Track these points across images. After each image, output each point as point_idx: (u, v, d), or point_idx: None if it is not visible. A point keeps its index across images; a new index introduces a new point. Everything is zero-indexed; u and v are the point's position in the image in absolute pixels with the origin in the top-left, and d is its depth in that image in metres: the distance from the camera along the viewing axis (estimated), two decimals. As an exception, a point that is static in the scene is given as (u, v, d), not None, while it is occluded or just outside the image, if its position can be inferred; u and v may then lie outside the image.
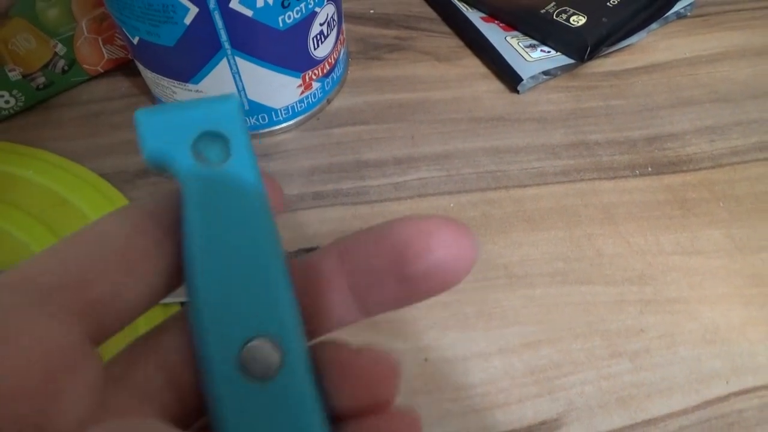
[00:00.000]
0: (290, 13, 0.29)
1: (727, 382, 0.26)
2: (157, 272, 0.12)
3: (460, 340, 0.27)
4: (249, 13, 0.28)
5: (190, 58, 0.30)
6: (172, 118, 0.13)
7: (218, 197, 0.13)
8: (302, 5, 0.30)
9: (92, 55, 0.37)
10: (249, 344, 0.12)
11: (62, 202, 0.32)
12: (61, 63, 0.36)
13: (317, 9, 0.31)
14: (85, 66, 0.37)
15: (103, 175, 0.33)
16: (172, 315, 0.14)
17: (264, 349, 0.12)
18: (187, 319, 0.13)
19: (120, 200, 0.32)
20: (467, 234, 0.13)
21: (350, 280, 0.13)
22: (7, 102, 0.35)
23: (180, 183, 0.13)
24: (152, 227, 0.12)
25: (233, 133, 0.13)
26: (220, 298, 0.12)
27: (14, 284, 0.10)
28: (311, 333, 0.14)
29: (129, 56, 0.38)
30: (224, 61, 0.30)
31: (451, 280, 0.13)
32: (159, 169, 0.13)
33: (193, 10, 0.27)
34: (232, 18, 0.28)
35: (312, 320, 0.14)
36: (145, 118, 0.13)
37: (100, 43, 0.37)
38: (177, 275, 0.13)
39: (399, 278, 0.13)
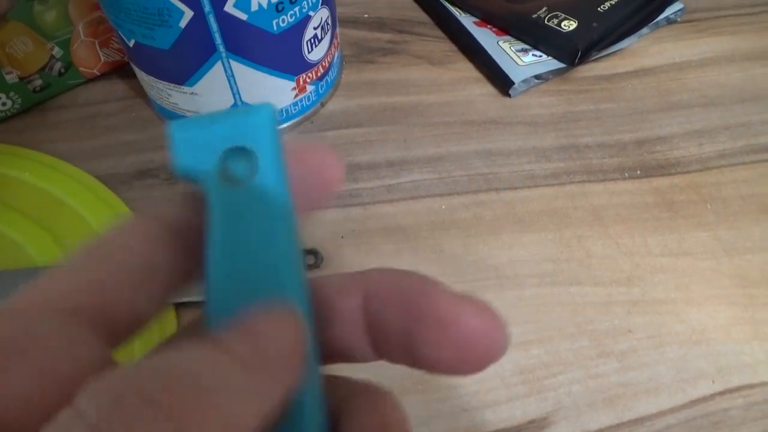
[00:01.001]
0: (284, 16, 0.30)
1: (713, 382, 0.27)
2: (171, 283, 0.13)
3: (451, 340, 0.28)
4: (243, 16, 0.28)
5: (186, 61, 0.30)
6: (201, 134, 0.13)
7: (241, 215, 0.13)
8: (296, 9, 0.30)
9: (89, 58, 0.37)
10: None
11: (58, 204, 0.32)
12: (58, 66, 0.36)
13: (311, 13, 0.31)
14: (81, 69, 0.38)
15: (99, 177, 0.33)
16: (189, 322, 0.14)
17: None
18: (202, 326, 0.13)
19: (115, 202, 0.32)
20: (491, 319, 0.12)
21: (368, 324, 0.13)
22: (3, 104, 0.36)
23: (206, 199, 0.13)
24: (169, 239, 0.13)
25: (262, 147, 0.13)
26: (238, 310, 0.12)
27: (36, 304, 0.11)
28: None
29: (125, 59, 0.39)
30: (219, 64, 0.30)
31: (472, 366, 0.12)
32: (187, 178, 0.13)
33: (188, 14, 0.28)
34: (226, 21, 0.28)
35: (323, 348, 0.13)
36: (177, 132, 0.13)
37: (97, 46, 0.37)
38: (188, 283, 0.13)
39: (408, 351, 0.12)
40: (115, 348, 0.12)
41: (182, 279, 0.13)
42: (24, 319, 0.10)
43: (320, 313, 0.13)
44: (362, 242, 0.31)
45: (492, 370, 0.27)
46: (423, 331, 0.12)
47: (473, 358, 0.12)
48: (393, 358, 0.13)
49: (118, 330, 0.12)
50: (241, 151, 0.13)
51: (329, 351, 0.13)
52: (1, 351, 0.10)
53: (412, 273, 0.13)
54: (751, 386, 0.26)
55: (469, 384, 0.26)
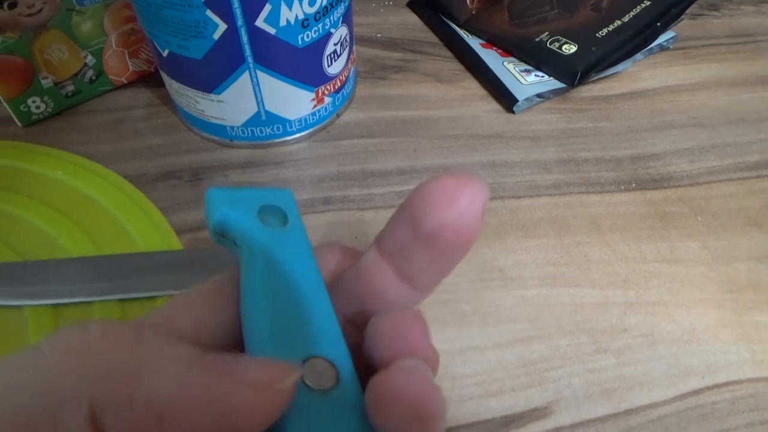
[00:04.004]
0: (309, 32, 0.32)
1: (702, 378, 0.28)
2: (222, 322, 0.15)
3: (458, 335, 0.29)
4: (272, 31, 0.31)
5: (216, 70, 0.32)
6: (237, 194, 0.16)
7: (278, 250, 0.15)
8: (320, 26, 0.33)
9: (118, 66, 0.40)
10: (309, 360, 0.13)
11: (88, 201, 0.34)
12: (90, 73, 0.39)
13: (332, 30, 0.34)
14: (111, 77, 0.40)
15: (125, 177, 0.35)
16: None
17: (322, 365, 0.13)
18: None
19: (141, 200, 0.34)
20: (469, 184, 0.13)
21: (392, 263, 0.15)
22: (38, 107, 0.38)
23: (241, 243, 0.16)
24: (220, 293, 0.16)
25: (289, 209, 0.16)
26: (278, 327, 0.14)
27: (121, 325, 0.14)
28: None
29: (152, 69, 0.41)
30: (246, 73, 0.33)
31: (464, 231, 0.13)
32: (221, 235, 0.16)
33: (222, 27, 0.30)
34: (256, 35, 0.31)
35: (374, 312, 0.15)
36: (215, 194, 0.16)
37: (127, 56, 0.39)
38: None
39: (423, 242, 0.14)
40: None
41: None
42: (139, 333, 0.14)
43: (356, 287, 0.16)
44: (375, 243, 0.33)
45: (496, 362, 0.29)
46: (418, 210, 0.14)
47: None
48: (424, 276, 0.15)
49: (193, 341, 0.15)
50: (272, 209, 0.16)
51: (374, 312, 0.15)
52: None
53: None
54: (737, 382, 0.28)
55: (474, 374, 0.28)
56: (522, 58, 0.43)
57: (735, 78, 0.43)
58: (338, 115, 0.39)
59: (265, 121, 0.36)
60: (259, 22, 0.30)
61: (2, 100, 0.36)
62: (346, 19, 0.35)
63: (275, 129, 0.36)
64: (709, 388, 0.28)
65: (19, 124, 0.38)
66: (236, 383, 0.12)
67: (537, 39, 0.42)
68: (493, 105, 0.41)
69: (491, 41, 0.44)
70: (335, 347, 0.14)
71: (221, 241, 0.16)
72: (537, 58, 0.42)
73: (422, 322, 0.14)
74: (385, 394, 0.12)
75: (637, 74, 0.43)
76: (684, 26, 0.46)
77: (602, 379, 0.28)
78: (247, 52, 0.31)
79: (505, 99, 0.40)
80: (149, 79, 0.41)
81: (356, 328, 0.16)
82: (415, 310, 0.15)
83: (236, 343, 0.15)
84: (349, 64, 0.38)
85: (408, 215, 0.14)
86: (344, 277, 0.16)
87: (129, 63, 0.40)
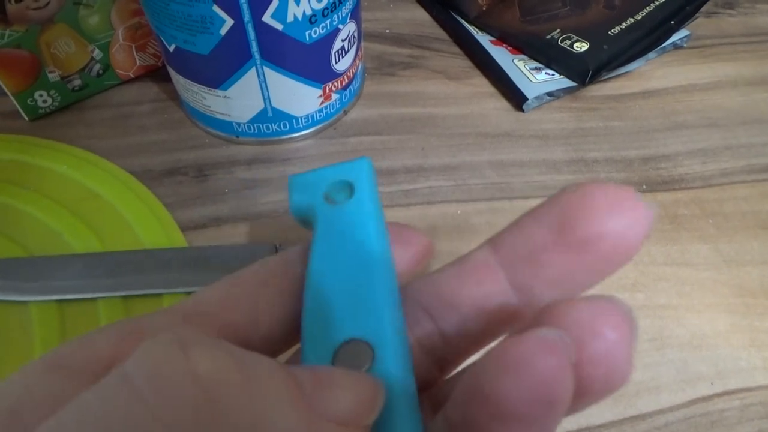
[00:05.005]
0: (316, 28, 0.32)
1: (711, 384, 0.28)
2: (283, 313, 0.15)
3: (464, 336, 0.29)
4: (279, 26, 0.31)
5: (222, 66, 0.32)
6: (309, 177, 0.17)
7: (339, 226, 0.15)
8: (327, 22, 0.32)
9: (125, 61, 0.39)
10: (344, 344, 0.13)
11: (94, 196, 0.34)
12: (97, 67, 0.38)
13: (340, 26, 0.33)
14: (118, 71, 0.40)
15: (131, 173, 0.35)
16: None
17: (357, 347, 0.13)
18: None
19: (147, 196, 0.34)
20: (637, 196, 0.12)
21: (507, 268, 0.13)
22: (45, 101, 0.38)
23: (314, 226, 0.16)
24: (282, 277, 0.15)
25: (358, 180, 0.16)
26: (326, 307, 0.14)
27: (168, 311, 0.13)
28: (472, 334, 0.14)
29: (159, 64, 0.41)
30: (253, 70, 0.32)
31: (626, 244, 0.12)
32: (301, 217, 0.17)
33: (229, 22, 0.30)
34: (263, 30, 0.30)
35: (469, 318, 0.14)
36: (294, 179, 0.17)
37: (134, 50, 0.39)
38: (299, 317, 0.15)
39: (570, 248, 0.12)
40: None
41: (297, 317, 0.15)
42: (153, 317, 0.13)
43: (457, 285, 0.14)
44: (381, 242, 0.33)
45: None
46: (575, 211, 0.12)
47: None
48: (548, 286, 0.13)
49: (237, 338, 0.14)
50: (342, 184, 0.16)
51: (474, 318, 0.14)
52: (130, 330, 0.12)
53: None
54: (747, 389, 0.28)
55: (480, 377, 0.28)
56: (532, 56, 0.42)
57: (750, 78, 0.43)
58: (345, 112, 0.39)
59: (271, 117, 0.35)
60: (267, 18, 0.30)
61: (9, 94, 0.36)
62: (355, 14, 0.35)
63: (282, 126, 0.36)
64: (718, 394, 0.28)
65: (26, 117, 0.38)
66: (323, 419, 0.10)
67: (548, 36, 0.42)
68: (503, 103, 0.41)
69: (501, 38, 0.44)
70: (378, 329, 0.13)
71: (308, 227, 0.17)
72: (548, 55, 0.41)
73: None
74: (513, 362, 0.10)
75: (650, 73, 0.43)
76: (698, 24, 0.46)
77: (609, 383, 0.28)
78: (254, 48, 0.31)
79: (515, 97, 0.40)
80: (156, 74, 0.41)
81: (431, 318, 0.14)
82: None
83: (288, 338, 0.15)
84: (357, 61, 0.38)
85: (553, 218, 0.13)
86: (441, 271, 0.15)
87: (136, 57, 0.40)
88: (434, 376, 0.15)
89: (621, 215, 0.12)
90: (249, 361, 0.10)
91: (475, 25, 0.45)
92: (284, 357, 0.16)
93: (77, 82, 0.38)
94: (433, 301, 0.14)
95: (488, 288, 0.13)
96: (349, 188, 0.16)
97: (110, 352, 0.12)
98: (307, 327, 0.14)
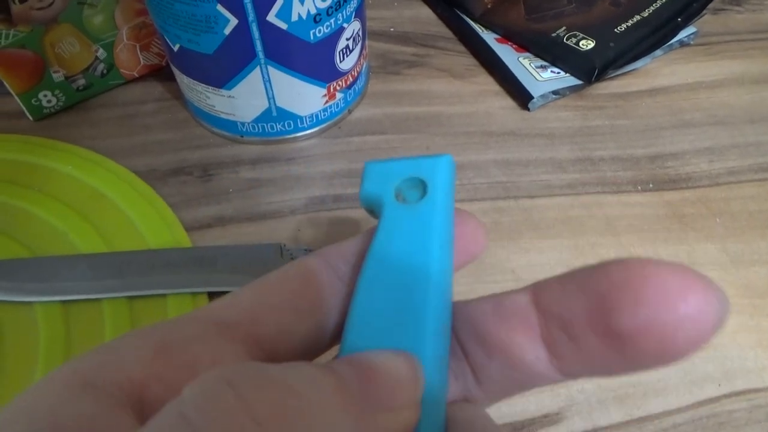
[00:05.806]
0: (321, 27, 0.32)
1: (719, 385, 0.28)
2: (324, 316, 0.14)
3: (469, 336, 0.29)
4: (284, 26, 0.30)
5: (226, 65, 0.32)
6: (386, 167, 0.16)
7: (403, 229, 0.14)
8: (332, 21, 0.32)
9: (130, 60, 0.39)
10: None
11: (99, 196, 0.34)
12: (101, 67, 0.38)
13: (345, 25, 0.33)
14: (122, 70, 0.40)
15: (136, 173, 0.35)
16: None
17: None
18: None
19: (151, 196, 0.34)
20: (706, 285, 0.10)
21: (545, 326, 0.12)
22: (49, 101, 0.38)
23: (378, 215, 0.15)
24: (327, 275, 0.14)
25: (433, 180, 0.15)
26: (372, 316, 0.13)
27: (199, 318, 0.13)
28: (500, 380, 0.13)
29: (163, 63, 0.41)
30: (257, 69, 0.32)
31: (677, 345, 0.10)
32: (368, 207, 0.16)
33: (233, 22, 0.30)
34: (267, 30, 0.30)
35: (500, 365, 0.13)
36: (369, 166, 0.16)
37: (138, 49, 0.39)
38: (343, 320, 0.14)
39: (601, 332, 0.10)
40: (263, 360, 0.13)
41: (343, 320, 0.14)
42: (182, 326, 0.12)
43: (491, 324, 0.13)
44: (386, 242, 0.33)
45: (508, 366, 0.28)
46: (616, 293, 0.10)
47: (681, 321, 0.10)
48: (578, 365, 0.11)
49: (269, 349, 0.13)
50: (416, 181, 0.15)
51: (504, 365, 0.13)
52: (161, 346, 0.12)
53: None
54: (755, 390, 0.28)
55: (486, 378, 0.28)
56: (538, 54, 0.42)
57: (758, 75, 0.42)
58: (350, 111, 0.39)
59: (276, 117, 0.35)
60: (271, 17, 0.30)
61: (14, 94, 0.36)
62: (359, 13, 0.34)
63: (286, 125, 0.36)
64: (725, 395, 0.27)
65: (31, 118, 0.38)
66: (375, 414, 0.10)
67: (554, 34, 0.42)
68: (508, 101, 0.40)
69: (506, 36, 0.43)
70: (419, 354, 0.13)
71: (374, 216, 0.16)
72: (553, 53, 0.41)
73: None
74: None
75: (657, 71, 0.42)
76: (705, 21, 0.45)
77: (616, 384, 0.28)
78: (258, 47, 0.31)
79: (520, 95, 0.40)
80: (160, 73, 0.41)
81: (463, 351, 0.14)
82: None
83: (323, 344, 0.14)
84: (362, 60, 0.38)
85: (593, 292, 0.11)
86: (477, 303, 0.14)
87: (140, 57, 0.40)
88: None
89: (673, 308, 0.10)
90: (293, 378, 0.10)
91: (480, 23, 0.44)
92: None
93: (81, 82, 0.38)
94: (466, 335, 0.14)
95: (520, 339, 0.12)
96: (423, 187, 0.15)
97: (142, 374, 0.11)
98: (349, 334, 0.13)
